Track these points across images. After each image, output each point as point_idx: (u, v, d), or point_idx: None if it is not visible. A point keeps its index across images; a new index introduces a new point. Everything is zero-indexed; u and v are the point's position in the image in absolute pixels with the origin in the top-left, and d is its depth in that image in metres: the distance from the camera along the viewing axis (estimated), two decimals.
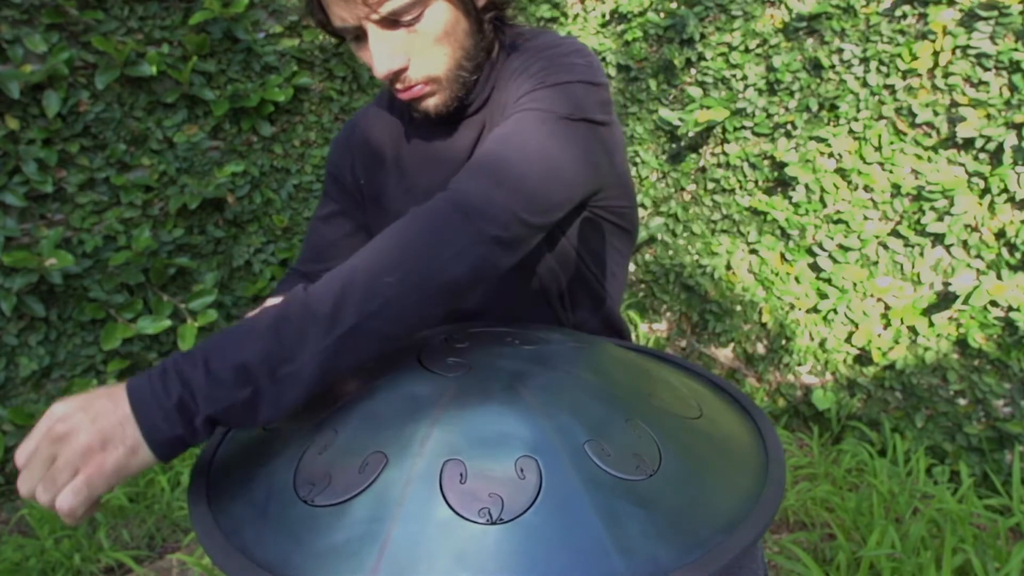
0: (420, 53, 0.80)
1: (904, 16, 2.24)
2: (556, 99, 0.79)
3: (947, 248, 2.22)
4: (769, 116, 2.67)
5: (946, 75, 2.17)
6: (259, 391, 0.58)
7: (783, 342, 2.72)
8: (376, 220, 1.03)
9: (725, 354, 3.01)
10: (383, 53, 0.79)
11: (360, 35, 0.80)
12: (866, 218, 2.42)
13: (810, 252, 2.61)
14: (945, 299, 2.24)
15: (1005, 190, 2.08)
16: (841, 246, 2.50)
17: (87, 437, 0.54)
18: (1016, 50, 2.00)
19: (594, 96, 0.82)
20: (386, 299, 0.62)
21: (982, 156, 2.13)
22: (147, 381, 0.57)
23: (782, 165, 2.63)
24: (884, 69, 2.31)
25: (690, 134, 2.89)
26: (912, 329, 2.34)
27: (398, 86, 0.83)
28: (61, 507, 0.54)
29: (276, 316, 0.61)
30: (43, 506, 0.55)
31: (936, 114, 2.20)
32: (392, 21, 0.77)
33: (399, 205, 1.00)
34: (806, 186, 2.56)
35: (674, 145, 3.03)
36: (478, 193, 0.69)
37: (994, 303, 2.12)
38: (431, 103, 0.86)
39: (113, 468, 0.55)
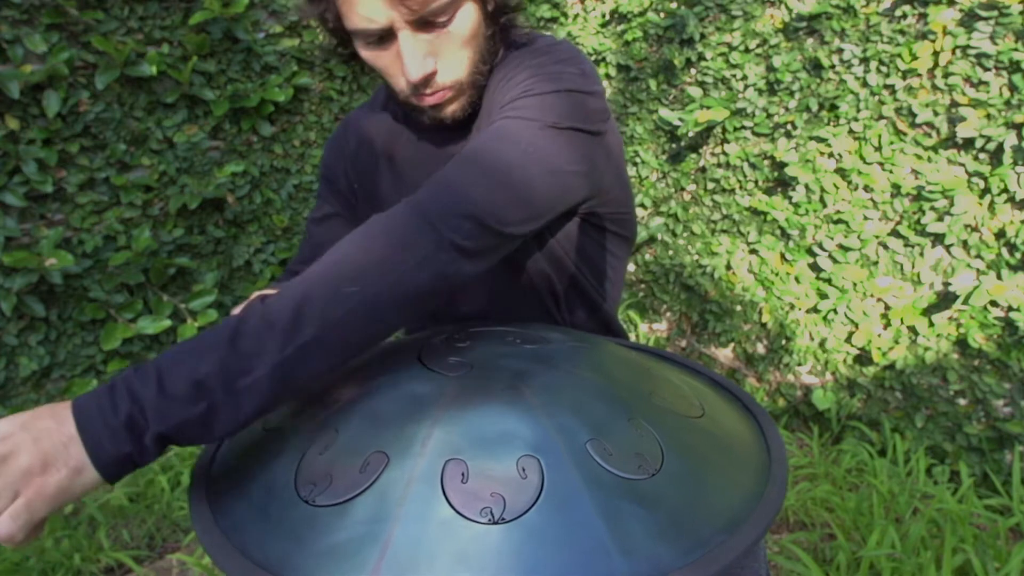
0: (447, 56, 0.79)
1: (904, 16, 2.24)
2: (541, 108, 0.77)
3: (947, 248, 2.22)
4: (769, 116, 2.66)
5: (946, 75, 2.17)
6: (214, 405, 0.56)
7: (783, 342, 2.72)
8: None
9: (725, 354, 3.01)
10: (417, 55, 0.76)
11: (385, 37, 0.76)
12: (866, 218, 2.42)
13: (810, 252, 2.60)
14: (945, 299, 2.24)
15: (1005, 190, 2.08)
16: (841, 246, 2.49)
17: (28, 459, 0.52)
18: (1016, 50, 2.00)
19: (584, 105, 0.81)
20: (348, 309, 0.61)
21: (982, 156, 2.13)
22: (94, 398, 0.55)
23: (782, 165, 2.63)
24: (884, 69, 2.31)
25: (690, 134, 2.89)
26: (912, 329, 2.34)
27: (425, 91, 0.80)
28: (4, 524, 0.51)
29: (233, 328, 0.59)
30: None
31: (936, 114, 2.20)
32: (426, 23, 0.75)
33: (393, 205, 0.99)
34: (806, 186, 2.56)
35: (674, 145, 3.03)
36: (442, 200, 0.68)
37: (994, 303, 2.12)
38: (451, 109, 0.84)
39: (55, 491, 0.52)
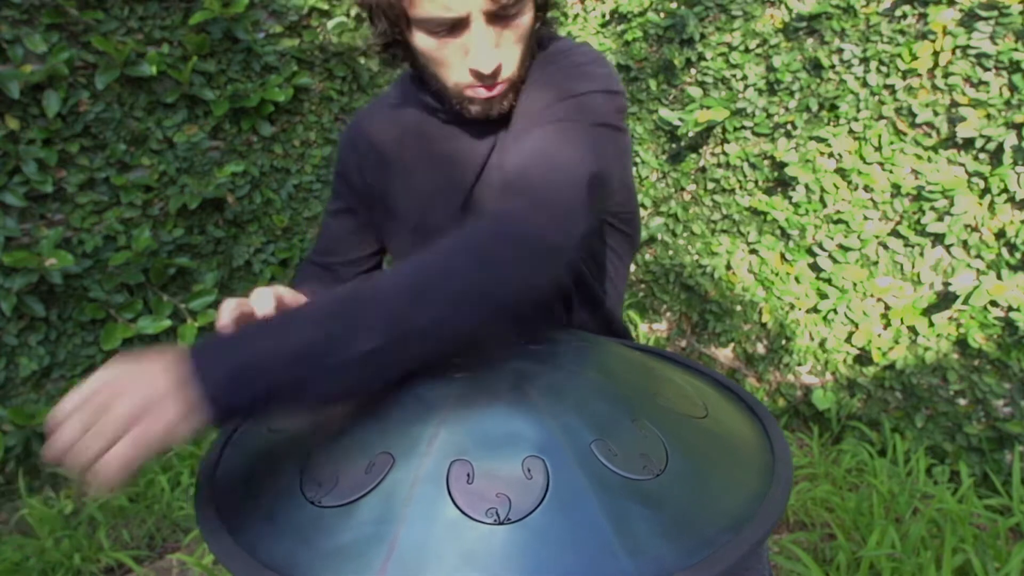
0: (508, 51, 0.80)
1: (904, 16, 2.25)
2: (580, 109, 0.80)
3: (947, 248, 2.22)
4: (769, 116, 2.67)
5: (946, 75, 2.17)
6: (309, 378, 0.57)
7: (783, 342, 2.72)
8: (383, 219, 1.03)
9: (725, 354, 3.01)
10: (490, 48, 0.77)
11: (455, 27, 0.76)
12: (866, 218, 2.42)
13: (810, 252, 2.61)
14: (945, 299, 2.24)
15: (1005, 190, 2.08)
16: (841, 246, 2.50)
17: (136, 401, 0.52)
18: (1016, 50, 2.00)
19: (613, 104, 0.84)
20: (459, 305, 0.63)
21: (982, 156, 2.13)
22: (208, 349, 0.56)
23: (782, 165, 2.63)
24: (884, 69, 2.31)
25: (690, 134, 2.89)
26: (912, 329, 2.34)
27: (488, 83, 0.81)
28: (102, 471, 0.52)
29: (338, 303, 0.61)
30: (75, 468, 0.52)
31: (936, 114, 2.21)
32: (499, 16, 0.76)
33: (406, 204, 1.00)
34: (806, 186, 2.56)
35: (674, 145, 3.03)
36: (529, 219, 0.70)
37: (994, 303, 2.13)
38: (503, 104, 0.85)
39: (158, 436, 0.53)
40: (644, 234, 3.12)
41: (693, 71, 2.90)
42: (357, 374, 0.59)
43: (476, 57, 0.77)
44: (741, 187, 2.82)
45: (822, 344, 2.60)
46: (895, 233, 2.36)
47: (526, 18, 0.79)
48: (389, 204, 1.01)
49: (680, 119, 2.86)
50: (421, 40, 0.80)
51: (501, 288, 0.65)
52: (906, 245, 2.33)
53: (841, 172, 2.47)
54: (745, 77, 2.71)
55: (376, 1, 0.79)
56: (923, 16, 2.20)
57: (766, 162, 2.71)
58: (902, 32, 2.25)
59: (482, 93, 0.82)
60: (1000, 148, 2.07)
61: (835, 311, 2.53)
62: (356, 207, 1.07)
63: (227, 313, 0.72)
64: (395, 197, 1.00)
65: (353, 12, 2.81)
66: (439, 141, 0.96)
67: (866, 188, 2.41)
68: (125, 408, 0.52)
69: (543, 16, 0.84)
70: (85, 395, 0.53)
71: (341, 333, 0.58)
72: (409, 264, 0.65)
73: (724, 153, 2.84)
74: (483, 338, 0.69)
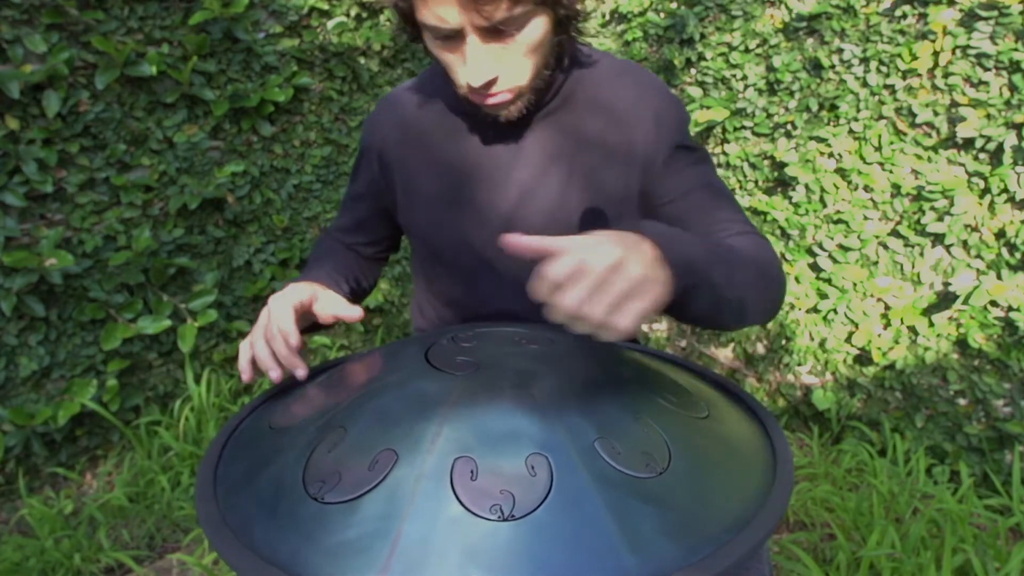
0: (511, 63, 0.80)
1: (904, 16, 2.25)
2: (690, 135, 0.99)
3: (947, 248, 2.23)
4: (769, 116, 2.67)
5: (946, 75, 2.18)
6: (707, 292, 0.69)
7: (783, 342, 2.72)
8: (401, 194, 1.04)
9: (725, 354, 3.01)
10: (481, 63, 0.78)
11: (452, 37, 0.78)
12: (866, 218, 2.42)
13: (810, 252, 2.61)
14: (945, 299, 2.24)
15: (1005, 190, 2.08)
16: (841, 246, 2.50)
17: (641, 270, 0.59)
18: (1016, 50, 2.01)
19: None
20: (753, 295, 0.78)
21: (982, 156, 2.13)
22: (667, 237, 0.65)
23: (782, 165, 2.63)
24: (884, 69, 2.31)
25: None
26: (912, 329, 2.34)
27: (485, 93, 0.82)
28: (622, 326, 0.58)
29: (728, 251, 0.76)
30: (587, 319, 0.57)
31: (936, 114, 2.21)
32: (495, 31, 0.76)
33: (427, 178, 1.01)
34: (806, 186, 2.56)
35: None
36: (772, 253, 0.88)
37: (994, 303, 2.13)
38: (509, 110, 0.86)
39: (657, 301, 0.60)
40: None
41: (693, 71, 2.90)
42: (719, 308, 0.73)
43: (468, 70, 0.79)
44: (741, 187, 2.82)
45: (822, 344, 2.60)
46: (895, 233, 2.36)
47: (534, 32, 0.78)
48: (409, 177, 1.02)
49: None
50: (428, 42, 0.82)
51: (778, 303, 0.84)
52: (906, 245, 2.33)
53: (841, 172, 2.47)
54: (745, 77, 2.71)
55: (391, 2, 0.81)
56: (923, 16, 2.20)
57: (766, 162, 2.71)
58: (902, 32, 2.26)
59: (486, 100, 0.83)
60: (1000, 148, 2.08)
61: (835, 311, 2.53)
62: (370, 192, 1.09)
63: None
64: (416, 181, 1.01)
65: (353, 12, 2.81)
66: (473, 139, 0.97)
67: (866, 188, 2.41)
68: (635, 272, 0.58)
69: (567, 24, 0.84)
70: (582, 257, 0.58)
71: (729, 276, 0.72)
72: (750, 253, 0.82)
73: (724, 153, 2.84)
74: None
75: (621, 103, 0.94)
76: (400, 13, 0.82)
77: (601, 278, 0.57)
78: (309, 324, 0.90)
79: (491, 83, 0.80)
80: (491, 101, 0.83)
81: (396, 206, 1.06)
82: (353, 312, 0.84)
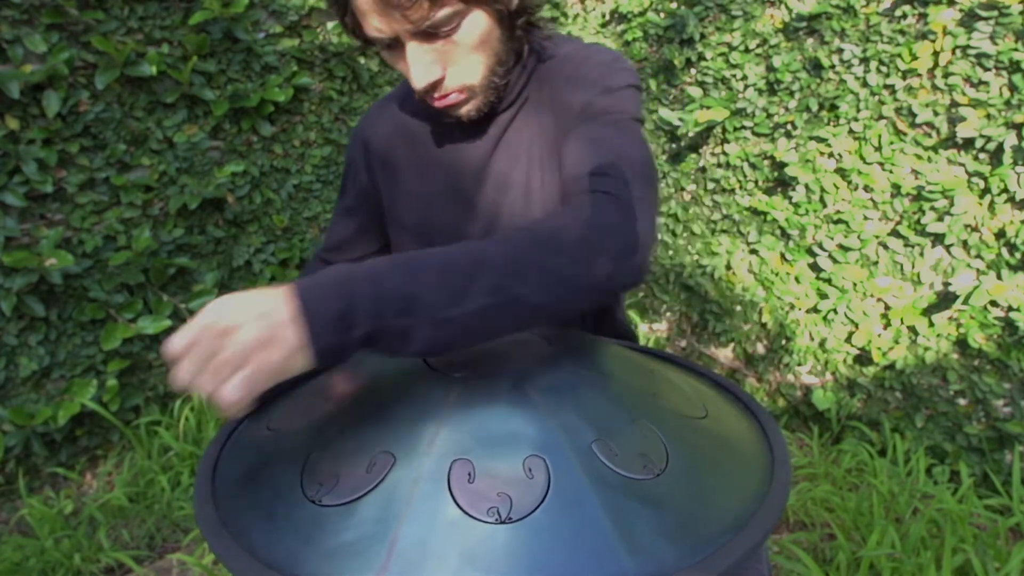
0: (456, 62, 0.81)
1: (904, 16, 2.25)
2: (622, 103, 0.86)
3: (947, 248, 2.22)
4: (769, 116, 2.67)
5: (946, 75, 2.17)
6: (416, 326, 0.59)
7: (783, 342, 2.72)
8: (391, 215, 1.04)
9: (725, 354, 3.01)
10: (421, 66, 0.79)
11: (394, 44, 0.80)
12: (866, 218, 2.42)
13: (810, 252, 2.61)
14: (945, 299, 2.24)
15: (1005, 190, 2.08)
16: (841, 246, 2.50)
17: (252, 334, 0.54)
18: (1016, 50, 2.01)
19: (639, 99, 0.91)
20: (555, 280, 0.65)
21: (982, 156, 2.13)
22: (316, 287, 0.58)
23: (782, 165, 2.63)
24: (884, 69, 2.31)
25: (690, 134, 2.89)
26: (912, 329, 2.34)
27: (434, 95, 0.84)
28: (227, 399, 0.54)
29: (446, 260, 0.63)
30: (201, 394, 0.55)
31: (936, 114, 2.21)
32: (430, 33, 0.78)
33: (408, 204, 1.01)
34: (806, 186, 2.56)
35: (674, 145, 3.03)
36: (620, 214, 0.73)
37: (994, 303, 2.13)
38: (464, 110, 0.87)
39: (274, 367, 0.55)
40: None
41: (693, 71, 2.90)
42: (459, 330, 0.61)
43: (410, 74, 0.80)
44: (741, 187, 2.82)
45: (822, 344, 2.60)
46: (895, 233, 2.36)
47: (472, 29, 0.79)
48: (391, 203, 1.02)
49: (680, 119, 2.86)
50: (381, 52, 0.84)
51: (598, 274, 0.68)
52: (906, 245, 2.33)
53: (841, 172, 2.47)
54: (745, 77, 2.71)
55: (341, 21, 0.84)
56: (923, 16, 2.20)
57: (766, 162, 2.71)
58: (902, 32, 2.26)
59: (437, 104, 0.85)
60: (1000, 148, 2.07)
61: (835, 311, 2.53)
62: (360, 205, 1.08)
63: None
64: (397, 197, 1.01)
65: None
66: (440, 141, 0.98)
67: (866, 188, 2.41)
68: (245, 338, 0.54)
69: (515, 20, 0.84)
70: (204, 324, 0.55)
71: (455, 288, 0.60)
72: (522, 232, 0.67)
73: (724, 153, 2.84)
74: (568, 317, 0.72)
75: (561, 98, 0.91)
76: (352, 32, 0.84)
77: (208, 348, 0.54)
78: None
79: (437, 84, 0.82)
80: (441, 103, 0.85)
81: (385, 210, 1.06)
82: None
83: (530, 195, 0.94)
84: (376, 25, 0.78)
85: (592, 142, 0.81)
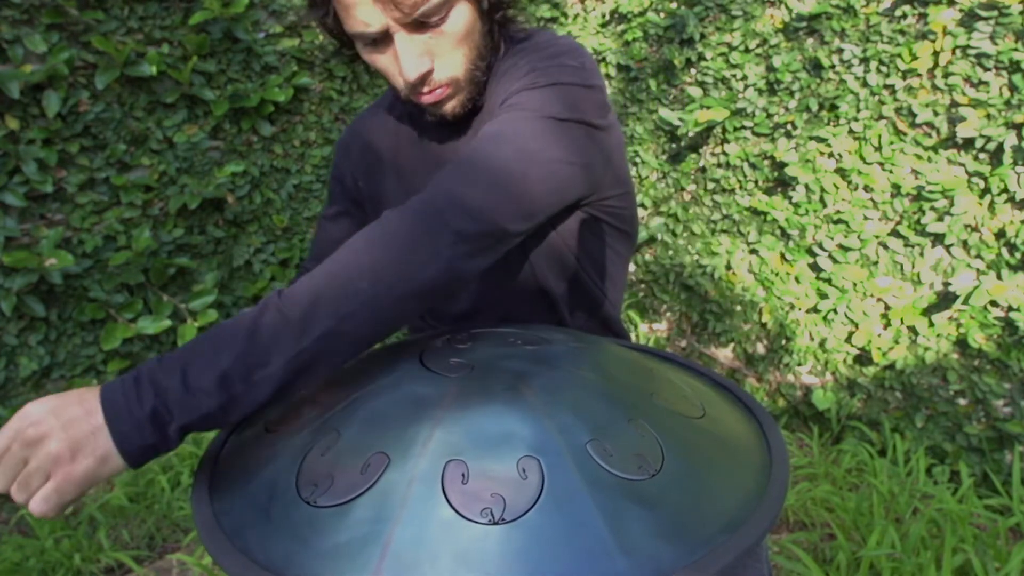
0: (443, 55, 0.80)
1: (904, 16, 2.24)
2: (545, 100, 0.78)
3: (947, 248, 2.22)
4: (769, 116, 2.67)
5: (946, 75, 2.17)
6: (234, 397, 0.60)
7: (783, 342, 2.72)
8: (377, 210, 1.04)
9: (725, 354, 3.01)
10: (412, 56, 0.78)
11: (380, 40, 0.79)
12: (866, 218, 2.42)
13: (810, 252, 2.61)
14: (945, 299, 2.24)
15: (1005, 190, 2.08)
16: (841, 246, 2.50)
17: (58, 445, 0.55)
18: (1016, 50, 2.00)
19: (587, 98, 0.81)
20: (361, 302, 0.63)
21: (982, 156, 2.13)
22: (120, 390, 0.58)
23: (782, 165, 2.63)
24: (884, 69, 2.31)
25: (690, 134, 2.89)
26: (912, 329, 2.34)
27: (423, 89, 0.82)
28: (33, 510, 0.56)
29: (252, 321, 0.62)
30: (16, 502, 0.56)
31: (936, 114, 2.20)
32: (420, 24, 0.77)
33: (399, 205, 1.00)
34: (806, 186, 2.56)
35: (674, 145, 3.03)
36: (452, 194, 0.70)
37: (994, 303, 2.12)
38: (450, 106, 0.86)
39: (82, 477, 0.56)
40: (644, 234, 3.12)
41: (693, 71, 2.89)
42: (283, 380, 0.62)
43: (401, 66, 0.79)
44: (741, 187, 2.81)
45: (822, 344, 2.60)
46: (895, 233, 2.36)
47: (459, 21, 0.79)
48: (382, 205, 1.02)
49: (680, 119, 2.86)
50: (362, 53, 0.83)
51: (425, 267, 0.66)
52: (906, 245, 2.33)
53: (841, 172, 2.47)
54: (745, 77, 2.71)
55: (318, 21, 0.82)
56: (923, 16, 2.20)
57: (766, 162, 2.71)
58: (902, 32, 2.25)
59: (423, 99, 0.83)
60: (1000, 148, 2.07)
61: (835, 311, 2.53)
62: (350, 209, 1.08)
63: None
64: (388, 198, 1.01)
65: None
66: (427, 140, 0.97)
67: (866, 188, 2.41)
68: (51, 449, 0.55)
69: (493, 13, 0.84)
70: (13, 432, 0.56)
71: (259, 349, 0.60)
72: (333, 258, 0.66)
73: (724, 153, 2.84)
74: (404, 322, 0.70)
75: (507, 73, 0.87)
76: (330, 32, 0.83)
77: (16, 457, 0.55)
78: None
79: (426, 77, 0.80)
80: (429, 99, 0.83)
81: (371, 217, 1.06)
82: None
83: None
84: (363, 18, 0.75)
85: (473, 141, 0.76)
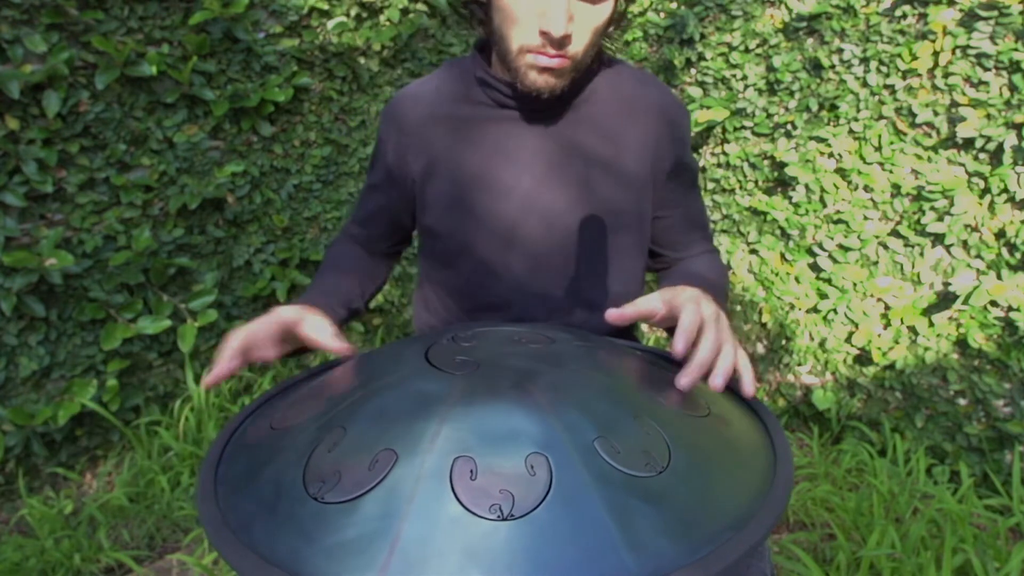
0: (581, 31, 0.84)
1: (904, 16, 2.25)
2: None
3: (947, 248, 2.23)
4: (769, 116, 2.67)
5: (946, 75, 2.18)
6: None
7: (783, 342, 2.72)
8: (422, 198, 1.05)
9: None
10: (566, 14, 0.80)
11: None
12: (866, 218, 2.42)
13: (810, 252, 2.61)
14: (945, 299, 2.24)
15: (1005, 190, 2.08)
16: (841, 246, 2.50)
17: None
18: (1016, 50, 2.01)
19: None
20: None
21: (982, 156, 2.13)
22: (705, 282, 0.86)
23: (782, 165, 2.63)
24: (884, 69, 2.32)
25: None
26: (912, 329, 2.34)
27: (551, 50, 0.83)
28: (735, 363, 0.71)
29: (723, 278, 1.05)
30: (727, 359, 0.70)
31: (936, 114, 2.21)
32: None
33: (444, 183, 1.02)
34: (806, 186, 2.56)
35: None
36: None
37: (994, 303, 2.13)
38: (555, 81, 0.87)
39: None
40: None
41: (693, 71, 2.90)
42: None
43: (550, 18, 0.80)
44: (741, 187, 2.82)
45: (822, 344, 2.60)
46: (895, 233, 2.36)
47: (607, 9, 0.84)
48: (423, 186, 1.03)
49: None
50: None
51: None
52: (906, 245, 2.33)
53: (841, 172, 2.47)
54: (745, 77, 2.71)
55: None
56: (923, 16, 2.20)
57: (766, 162, 2.71)
58: (902, 32, 2.26)
59: (543, 60, 0.84)
60: (1000, 148, 2.08)
61: (835, 311, 2.53)
62: (384, 183, 1.10)
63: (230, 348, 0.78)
64: (431, 180, 1.02)
65: (353, 12, 2.81)
66: (480, 127, 0.99)
67: (866, 188, 2.41)
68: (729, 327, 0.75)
69: (619, 22, 0.91)
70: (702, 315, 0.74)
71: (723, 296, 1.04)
72: (713, 268, 1.12)
73: (724, 153, 2.84)
74: None
75: (642, 103, 0.99)
76: None
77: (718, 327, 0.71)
78: (296, 347, 0.89)
79: (566, 40, 0.82)
80: (552, 63, 0.84)
81: (413, 197, 1.07)
82: (334, 344, 0.82)
83: (589, 187, 0.99)
84: None
85: (691, 207, 1.09)
